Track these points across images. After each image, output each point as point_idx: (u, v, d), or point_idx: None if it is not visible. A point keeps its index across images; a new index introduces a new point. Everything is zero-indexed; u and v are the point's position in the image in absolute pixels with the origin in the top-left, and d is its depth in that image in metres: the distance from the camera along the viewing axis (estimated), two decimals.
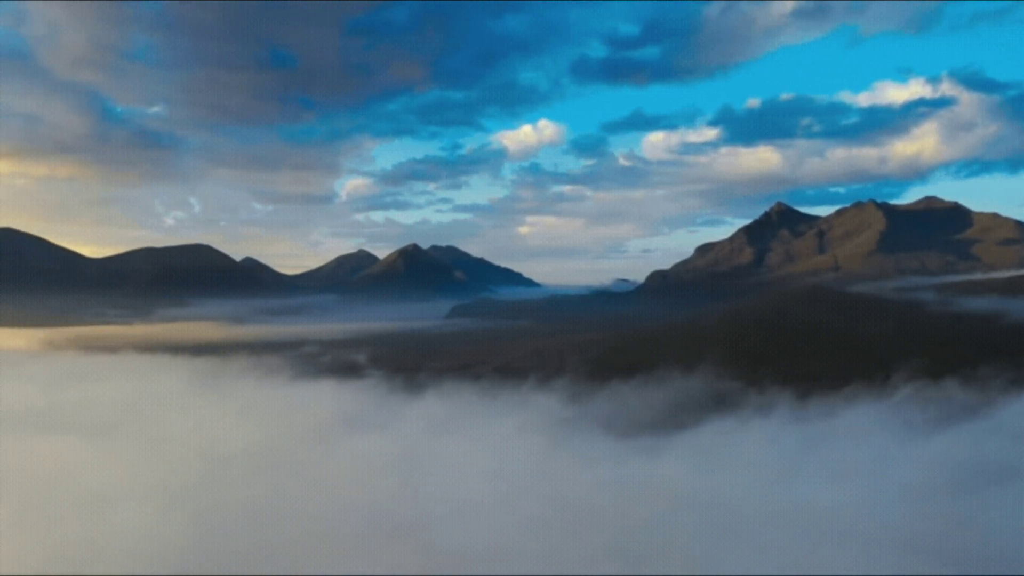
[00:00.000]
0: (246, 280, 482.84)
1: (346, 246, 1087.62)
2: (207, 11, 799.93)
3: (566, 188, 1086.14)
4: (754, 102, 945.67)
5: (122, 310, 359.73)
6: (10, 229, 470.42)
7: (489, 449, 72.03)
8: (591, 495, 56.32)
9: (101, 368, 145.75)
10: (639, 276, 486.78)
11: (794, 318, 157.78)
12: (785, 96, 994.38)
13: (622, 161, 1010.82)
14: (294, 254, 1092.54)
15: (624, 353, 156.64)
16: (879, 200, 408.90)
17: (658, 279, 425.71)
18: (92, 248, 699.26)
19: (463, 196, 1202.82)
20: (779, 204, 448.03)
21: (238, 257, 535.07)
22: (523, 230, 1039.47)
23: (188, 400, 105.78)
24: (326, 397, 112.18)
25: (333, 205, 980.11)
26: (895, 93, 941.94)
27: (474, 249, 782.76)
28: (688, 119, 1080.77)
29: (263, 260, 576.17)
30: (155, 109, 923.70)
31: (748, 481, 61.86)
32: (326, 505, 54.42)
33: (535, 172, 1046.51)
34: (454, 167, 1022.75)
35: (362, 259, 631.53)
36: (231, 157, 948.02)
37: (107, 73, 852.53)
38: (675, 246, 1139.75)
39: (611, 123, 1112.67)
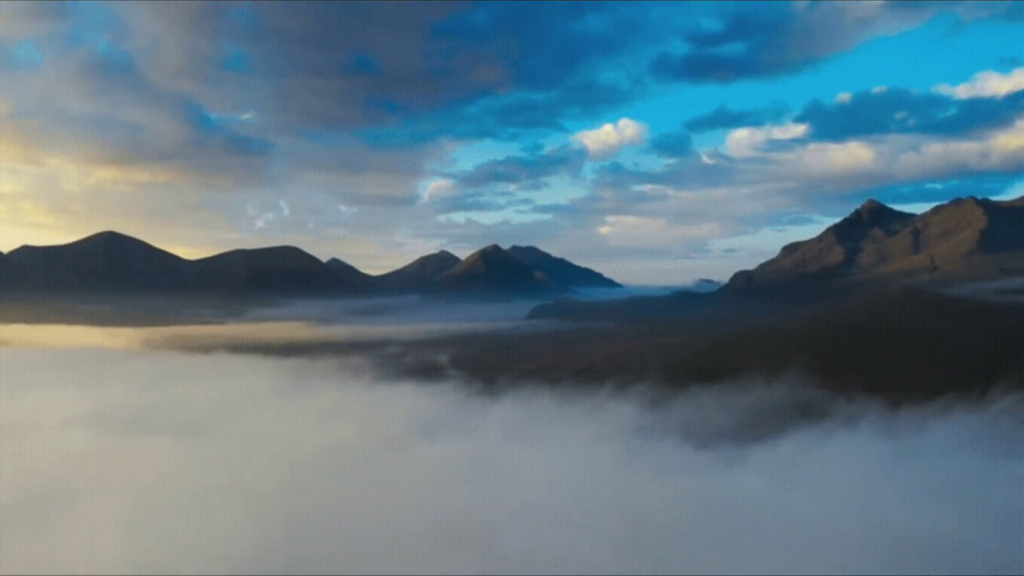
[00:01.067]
0: (332, 281, 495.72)
1: (428, 247, 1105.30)
2: (295, 20, 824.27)
3: (647, 187, 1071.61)
4: (844, 96, 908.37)
5: (216, 310, 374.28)
6: (114, 233, 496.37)
7: (563, 457, 71.83)
8: (663, 508, 55.55)
9: (195, 368, 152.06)
10: (723, 276, 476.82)
11: (886, 322, 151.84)
12: (878, 89, 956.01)
13: (705, 159, 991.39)
14: (378, 255, 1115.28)
15: (705, 357, 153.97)
16: (979, 196, 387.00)
17: (742, 280, 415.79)
18: (188, 250, 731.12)
19: (543, 196, 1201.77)
20: (871, 201, 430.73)
21: (324, 258, 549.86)
22: (604, 230, 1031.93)
23: (276, 401, 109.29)
24: (406, 400, 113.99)
25: (415, 207, 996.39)
26: (997, 84, 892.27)
27: (554, 249, 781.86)
28: (774, 115, 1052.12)
29: (348, 261, 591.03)
30: (246, 116, 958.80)
31: (829, 498, 59.83)
32: (399, 511, 55.40)
33: (616, 172, 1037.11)
34: (534, 168, 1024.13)
35: (444, 260, 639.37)
36: (318, 161, 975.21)
37: (202, 82, 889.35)
38: (760, 245, 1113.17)
39: (694, 121, 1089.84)
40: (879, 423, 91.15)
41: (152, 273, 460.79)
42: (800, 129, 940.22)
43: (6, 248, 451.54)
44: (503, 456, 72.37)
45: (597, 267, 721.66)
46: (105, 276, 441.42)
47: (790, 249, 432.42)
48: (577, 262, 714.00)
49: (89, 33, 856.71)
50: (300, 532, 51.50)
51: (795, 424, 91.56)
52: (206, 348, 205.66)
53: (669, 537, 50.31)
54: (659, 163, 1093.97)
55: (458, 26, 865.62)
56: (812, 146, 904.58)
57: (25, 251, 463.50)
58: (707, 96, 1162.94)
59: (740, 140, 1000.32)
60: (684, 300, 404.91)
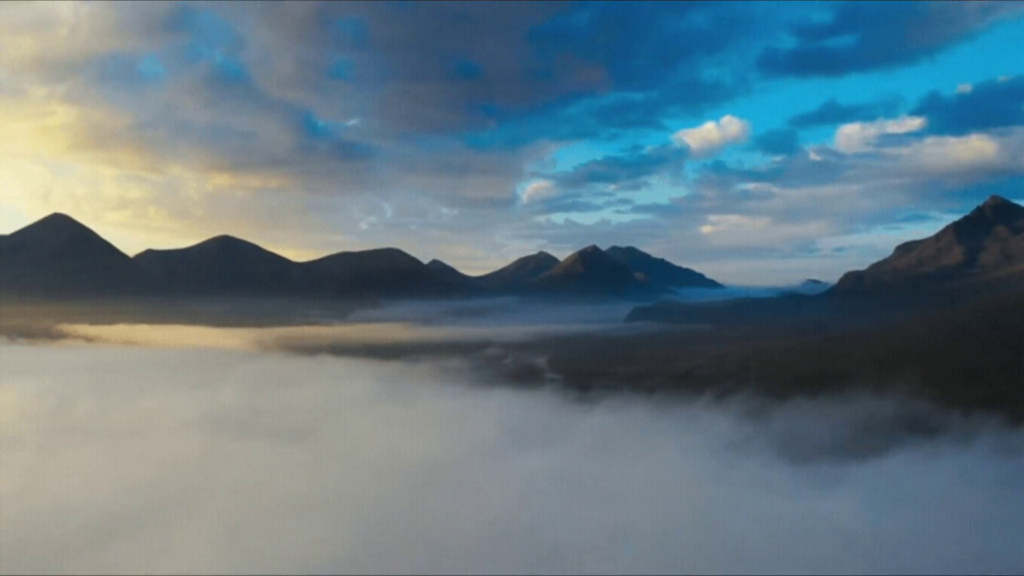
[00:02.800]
0: (433, 282, 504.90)
1: (527, 248, 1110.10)
2: (398, 28, 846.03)
3: (751, 185, 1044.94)
4: (965, 87, 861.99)
5: (323, 311, 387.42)
6: (229, 236, 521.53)
7: (652, 473, 70.63)
8: (752, 531, 53.73)
9: (300, 371, 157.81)
10: (831, 277, 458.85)
11: (1009, 329, 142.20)
12: (1003, 78, 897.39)
13: (813, 156, 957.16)
14: (478, 256, 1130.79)
15: (810, 364, 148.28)
16: None
17: (853, 280, 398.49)
18: (297, 252, 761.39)
19: (643, 196, 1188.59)
20: (994, 198, 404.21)
21: (426, 260, 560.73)
22: (706, 229, 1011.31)
23: (375, 407, 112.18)
24: (502, 407, 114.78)
25: (515, 208, 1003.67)
26: None
27: (654, 250, 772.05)
28: (888, 109, 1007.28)
29: (449, 262, 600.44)
30: (352, 122, 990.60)
31: (937, 526, 56.39)
32: (486, 523, 55.89)
33: (718, 170, 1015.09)
34: (634, 168, 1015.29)
35: (543, 260, 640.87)
36: (421, 164, 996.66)
37: (311, 91, 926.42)
38: (872, 245, 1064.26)
39: (801, 116, 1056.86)
40: (997, 441, 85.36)
41: (263, 275, 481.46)
42: (916, 122, 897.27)
43: (132, 251, 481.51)
44: (592, 470, 71.84)
45: (698, 267, 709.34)
46: (221, 278, 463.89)
47: (905, 248, 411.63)
48: (678, 262, 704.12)
49: (207, 48, 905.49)
50: (388, 541, 52.73)
51: (902, 440, 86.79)
52: (312, 349, 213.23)
53: (757, 563, 48.72)
54: (764, 160, 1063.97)
55: (557, 28, 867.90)
56: (930, 140, 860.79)
57: (149, 254, 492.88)
58: (815, 91, 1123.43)
59: (850, 135, 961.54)
60: (790, 302, 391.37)
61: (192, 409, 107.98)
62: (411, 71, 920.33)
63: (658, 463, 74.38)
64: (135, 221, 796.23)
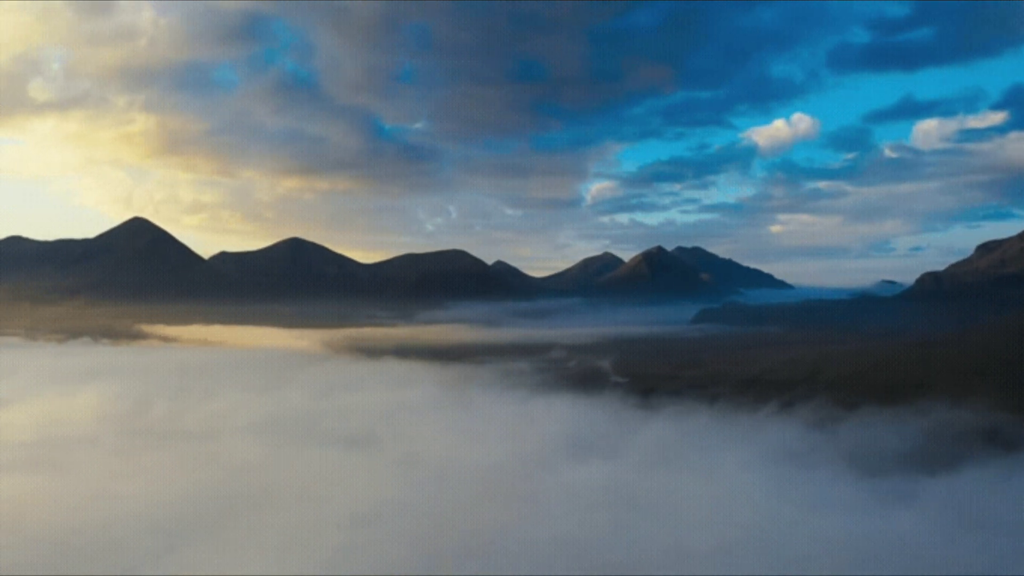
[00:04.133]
0: (498, 283, 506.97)
1: (591, 248, 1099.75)
2: (463, 32, 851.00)
3: (822, 184, 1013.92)
4: None
5: (388, 312, 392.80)
6: (298, 239, 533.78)
7: (713, 486, 69.28)
8: (817, 550, 52.16)
9: (365, 374, 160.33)
10: (907, 278, 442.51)
11: None
12: None
13: (888, 152, 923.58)
14: (542, 256, 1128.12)
15: (883, 370, 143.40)
16: None
17: (930, 282, 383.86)
18: (364, 253, 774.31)
19: (710, 196, 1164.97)
20: None
21: (490, 261, 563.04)
22: (775, 229, 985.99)
23: (435, 413, 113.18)
24: (563, 413, 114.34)
25: (579, 208, 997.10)
26: None
27: (721, 250, 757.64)
28: (968, 103, 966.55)
29: (513, 263, 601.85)
30: (418, 125, 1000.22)
31: (1015, 546, 53.94)
32: (540, 538, 55.73)
33: (788, 168, 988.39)
34: (701, 167, 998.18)
35: (607, 261, 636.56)
36: (485, 166, 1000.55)
37: (378, 95, 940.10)
38: (951, 244, 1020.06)
39: (875, 113, 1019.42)
40: None
41: (331, 276, 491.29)
42: (999, 117, 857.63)
43: (207, 254, 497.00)
44: (650, 484, 70.86)
45: (767, 268, 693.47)
46: (290, 279, 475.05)
47: (986, 248, 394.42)
48: (745, 263, 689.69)
49: (278, 55, 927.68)
50: (441, 553, 53.14)
51: (979, 455, 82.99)
52: (378, 351, 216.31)
53: None
54: (836, 158, 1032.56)
55: (622, 28, 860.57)
56: (1013, 135, 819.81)
57: (223, 256, 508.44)
58: (890, 86, 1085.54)
59: (928, 131, 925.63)
60: (863, 303, 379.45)
61: (260, 412, 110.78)
62: (476, 74, 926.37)
63: (719, 476, 72.95)
64: (209, 224, 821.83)
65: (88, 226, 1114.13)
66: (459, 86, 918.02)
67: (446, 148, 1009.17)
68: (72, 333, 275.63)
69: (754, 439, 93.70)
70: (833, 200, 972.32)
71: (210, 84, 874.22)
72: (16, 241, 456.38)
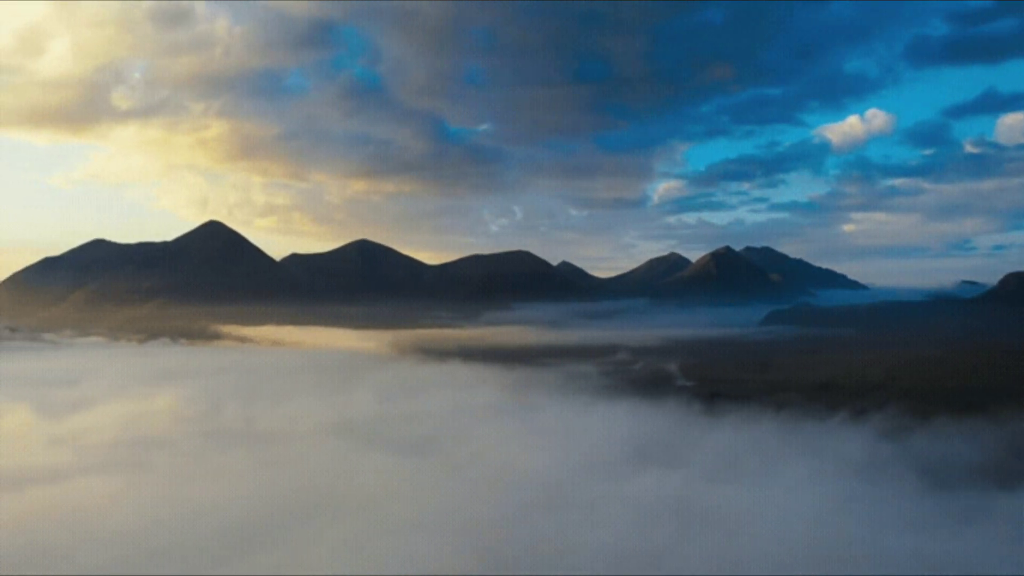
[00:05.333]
0: (562, 284, 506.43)
1: (657, 248, 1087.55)
2: (528, 34, 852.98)
3: (898, 181, 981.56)
4: None
5: (454, 313, 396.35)
6: (366, 240, 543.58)
7: (778, 499, 67.81)
8: (882, 570, 50.62)
9: (430, 377, 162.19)
10: (990, 278, 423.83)
11: None
12: None
13: (969, 148, 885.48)
14: (607, 257, 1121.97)
15: (963, 376, 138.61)
16: None
17: (1014, 283, 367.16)
18: (430, 254, 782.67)
19: (780, 194, 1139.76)
20: None
21: (555, 261, 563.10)
22: (848, 228, 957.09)
23: (498, 418, 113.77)
24: (626, 420, 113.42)
25: (645, 208, 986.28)
26: None
27: (792, 250, 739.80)
28: None
29: (577, 264, 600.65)
30: (483, 127, 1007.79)
31: None
32: (598, 550, 55.52)
33: (862, 166, 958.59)
34: (771, 165, 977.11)
35: (674, 262, 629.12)
36: (550, 167, 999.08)
37: (444, 98, 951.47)
38: None
39: (955, 107, 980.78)
40: None
41: (398, 277, 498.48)
42: None
43: (279, 255, 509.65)
44: (712, 495, 69.81)
45: (840, 268, 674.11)
46: (359, 280, 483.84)
47: None
48: (817, 263, 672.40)
49: (347, 61, 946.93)
50: (497, 562, 53.47)
51: None
52: (444, 352, 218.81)
53: None
54: (913, 155, 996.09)
55: (688, 25, 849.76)
56: None
57: (294, 258, 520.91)
58: (971, 79, 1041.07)
59: (1012, 125, 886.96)
60: (941, 305, 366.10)
61: (328, 415, 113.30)
62: (541, 75, 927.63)
63: (784, 488, 71.41)
64: (281, 226, 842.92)
65: (167, 229, 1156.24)
66: (524, 87, 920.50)
67: (511, 149, 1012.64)
68: (152, 334, 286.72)
69: (822, 449, 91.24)
70: (910, 198, 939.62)
71: (282, 90, 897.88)
72: (100, 244, 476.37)
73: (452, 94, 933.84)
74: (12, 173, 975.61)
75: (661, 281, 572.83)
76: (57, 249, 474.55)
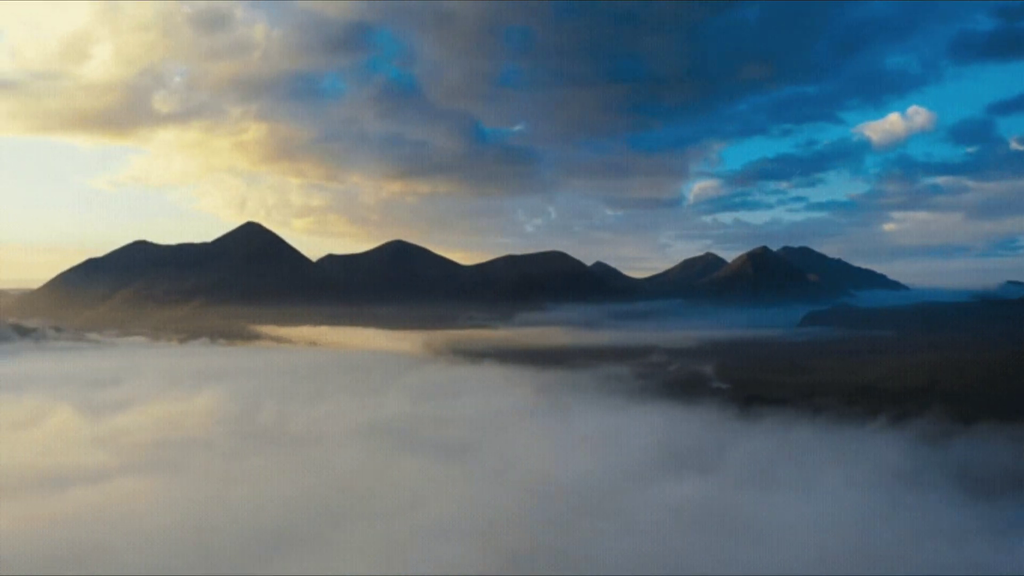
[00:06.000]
0: (596, 284, 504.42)
1: (693, 248, 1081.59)
2: (563, 34, 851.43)
3: (941, 179, 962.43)
4: None
5: (488, 314, 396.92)
6: (401, 241, 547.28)
7: (813, 507, 66.74)
8: None
9: (464, 379, 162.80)
10: None
11: None
12: None
13: (1015, 145, 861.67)
14: (641, 257, 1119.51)
15: (1008, 380, 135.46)
16: None
17: None
18: (464, 255, 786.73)
19: (818, 193, 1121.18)
20: None
21: (589, 262, 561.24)
22: (888, 227, 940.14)
23: (532, 421, 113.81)
24: (660, 423, 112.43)
25: (680, 208, 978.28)
26: None
27: (831, 250, 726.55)
28: None
29: (612, 263, 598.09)
30: (518, 127, 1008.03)
31: None
32: (628, 558, 55.13)
33: (903, 164, 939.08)
34: (808, 164, 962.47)
35: (709, 262, 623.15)
36: (585, 167, 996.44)
37: (478, 99, 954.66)
38: None
39: (1000, 103, 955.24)
40: None
41: (433, 278, 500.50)
42: None
43: (315, 256, 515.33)
44: (746, 503, 68.91)
45: (880, 268, 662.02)
46: (394, 281, 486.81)
47: None
48: (856, 263, 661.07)
49: (383, 63, 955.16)
50: (529, 570, 53.45)
51: None
52: (478, 353, 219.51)
53: None
54: (956, 152, 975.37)
55: (724, 24, 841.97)
56: None
57: (329, 259, 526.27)
58: (1017, 75, 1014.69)
59: None
60: (986, 306, 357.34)
61: (362, 417, 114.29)
62: (576, 75, 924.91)
63: (820, 496, 70.33)
64: (317, 227, 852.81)
65: (206, 230, 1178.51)
66: (559, 88, 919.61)
67: (546, 149, 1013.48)
68: (191, 333, 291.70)
69: (860, 455, 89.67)
70: (953, 196, 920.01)
71: (318, 92, 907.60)
72: (141, 246, 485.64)
73: (487, 95, 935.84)
74: (57, 176, 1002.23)
75: (696, 281, 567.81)
76: (100, 250, 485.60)
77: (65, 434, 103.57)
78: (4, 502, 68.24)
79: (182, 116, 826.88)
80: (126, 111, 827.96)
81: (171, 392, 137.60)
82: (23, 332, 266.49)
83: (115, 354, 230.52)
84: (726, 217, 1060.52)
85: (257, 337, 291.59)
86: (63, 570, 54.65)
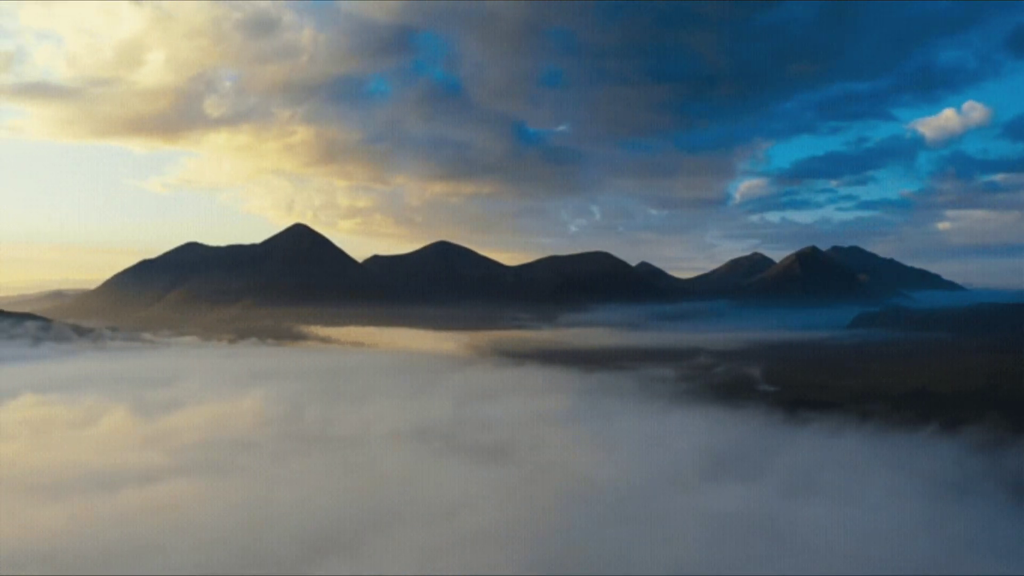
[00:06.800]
0: (641, 285, 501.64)
1: (739, 248, 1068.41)
2: (606, 34, 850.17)
3: (999, 177, 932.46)
4: None
5: (532, 315, 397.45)
6: (445, 242, 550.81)
7: (860, 518, 65.48)
8: None
9: (507, 381, 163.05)
10: None
11: None
12: None
13: None
14: (687, 257, 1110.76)
15: None
16: None
17: None
18: (508, 255, 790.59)
19: (869, 192, 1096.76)
20: None
21: (633, 262, 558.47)
22: (943, 226, 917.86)
23: (573, 425, 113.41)
24: (704, 428, 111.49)
25: (727, 207, 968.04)
26: None
27: (882, 249, 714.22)
28: None
29: (657, 264, 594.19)
30: (561, 128, 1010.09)
31: None
32: (667, 567, 54.88)
33: (958, 161, 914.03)
34: (859, 161, 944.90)
35: (756, 262, 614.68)
36: (629, 167, 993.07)
37: (522, 100, 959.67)
38: None
39: None
40: None
41: (477, 279, 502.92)
42: None
43: (361, 257, 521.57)
44: (790, 512, 68.00)
45: (934, 267, 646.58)
46: (438, 282, 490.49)
47: None
48: (909, 263, 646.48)
49: (427, 65, 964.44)
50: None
51: None
52: (521, 355, 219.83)
53: None
54: (1014, 148, 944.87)
55: (771, 21, 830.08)
56: None
57: (375, 260, 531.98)
58: None
59: None
60: None
61: (404, 419, 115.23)
62: (619, 74, 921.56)
63: (868, 505, 68.88)
64: (363, 228, 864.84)
65: (255, 232, 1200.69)
66: (603, 87, 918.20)
67: (589, 150, 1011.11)
68: (241, 334, 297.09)
69: (910, 463, 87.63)
70: (1012, 194, 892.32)
71: (364, 95, 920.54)
72: (193, 247, 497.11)
73: (530, 96, 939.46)
74: (112, 179, 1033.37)
75: (743, 282, 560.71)
76: (153, 252, 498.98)
77: (119, 434, 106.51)
78: (60, 501, 70.61)
79: (232, 120, 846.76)
80: (178, 115, 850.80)
81: (220, 392, 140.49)
82: (81, 332, 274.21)
83: (168, 354, 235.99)
84: (773, 216, 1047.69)
85: (304, 337, 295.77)
86: (116, 569, 56.28)
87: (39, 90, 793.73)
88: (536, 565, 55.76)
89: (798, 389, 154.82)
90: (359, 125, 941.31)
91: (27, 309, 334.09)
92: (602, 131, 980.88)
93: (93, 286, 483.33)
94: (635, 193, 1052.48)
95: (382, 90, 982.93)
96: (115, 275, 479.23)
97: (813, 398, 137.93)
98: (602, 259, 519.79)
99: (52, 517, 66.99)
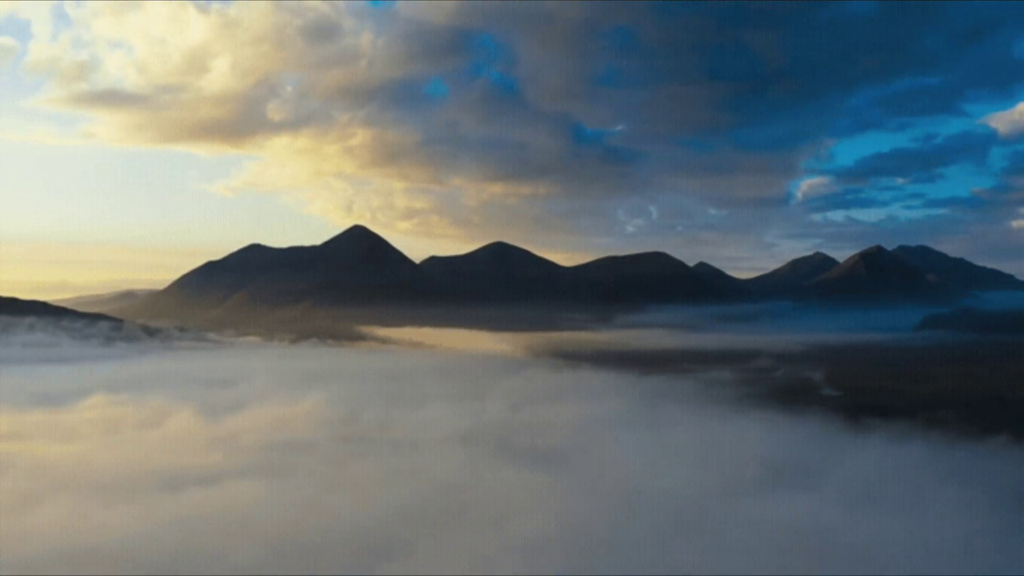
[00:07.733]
0: (699, 285, 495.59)
1: (801, 248, 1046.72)
2: (665, 32, 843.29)
3: None
4: None
5: (589, 316, 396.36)
6: (502, 243, 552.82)
7: (924, 532, 63.37)
8: None
9: (561, 384, 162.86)
10: None
11: None
12: None
13: None
14: (747, 256, 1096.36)
15: None
16: None
17: None
18: (565, 255, 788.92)
19: (938, 189, 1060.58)
20: None
21: (692, 262, 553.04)
22: (1017, 224, 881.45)
23: (629, 430, 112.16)
24: (763, 434, 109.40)
25: (788, 206, 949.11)
26: None
27: (951, 248, 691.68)
28: None
29: (716, 264, 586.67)
30: (618, 128, 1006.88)
31: None
32: None
33: None
34: (927, 158, 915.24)
35: (819, 262, 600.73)
36: (687, 166, 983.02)
37: (579, 100, 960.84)
38: None
39: None
40: None
41: (534, 279, 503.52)
42: None
43: (418, 258, 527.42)
44: (849, 524, 66.18)
45: (1007, 267, 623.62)
46: (495, 283, 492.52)
47: None
48: (980, 262, 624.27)
49: (484, 67, 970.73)
50: None
51: None
52: (577, 357, 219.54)
53: None
54: None
55: (834, 15, 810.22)
56: None
57: (433, 261, 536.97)
58: None
59: None
60: None
61: (459, 422, 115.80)
62: (677, 73, 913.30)
63: (932, 520, 66.62)
64: (421, 229, 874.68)
65: (316, 233, 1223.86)
66: (661, 86, 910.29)
67: (647, 149, 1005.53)
68: (301, 334, 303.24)
69: (981, 474, 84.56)
70: None
71: (422, 98, 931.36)
72: (256, 249, 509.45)
73: (587, 96, 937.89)
74: (180, 183, 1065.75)
75: (805, 282, 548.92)
76: (218, 254, 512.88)
77: (184, 435, 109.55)
78: (126, 503, 72.87)
79: (293, 124, 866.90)
80: (242, 120, 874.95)
81: (281, 393, 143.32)
82: (151, 332, 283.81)
83: (232, 354, 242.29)
84: (837, 215, 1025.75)
85: (363, 338, 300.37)
86: (177, 571, 57.91)
87: (111, 97, 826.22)
88: (589, 574, 55.46)
89: (862, 394, 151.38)
90: (417, 127, 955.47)
91: (100, 309, 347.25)
92: (660, 130, 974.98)
93: (162, 286, 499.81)
94: (693, 192, 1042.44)
95: (439, 92, 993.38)
96: (182, 276, 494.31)
97: (877, 404, 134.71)
98: (660, 259, 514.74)
99: (121, 518, 69.17)
